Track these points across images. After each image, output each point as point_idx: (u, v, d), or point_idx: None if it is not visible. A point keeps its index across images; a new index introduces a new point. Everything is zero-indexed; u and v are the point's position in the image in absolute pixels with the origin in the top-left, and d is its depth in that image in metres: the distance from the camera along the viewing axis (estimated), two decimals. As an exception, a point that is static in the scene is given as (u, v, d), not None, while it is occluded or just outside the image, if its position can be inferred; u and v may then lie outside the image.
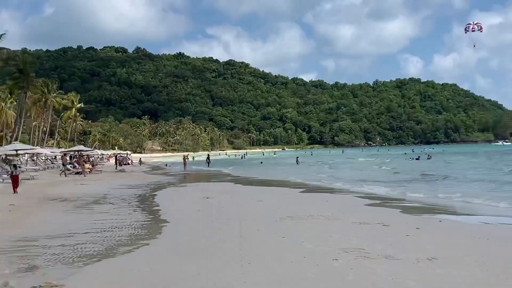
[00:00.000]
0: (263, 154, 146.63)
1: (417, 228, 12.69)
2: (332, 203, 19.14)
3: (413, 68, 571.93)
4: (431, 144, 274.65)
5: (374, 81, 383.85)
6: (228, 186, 30.72)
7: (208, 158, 67.87)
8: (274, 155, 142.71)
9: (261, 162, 79.26)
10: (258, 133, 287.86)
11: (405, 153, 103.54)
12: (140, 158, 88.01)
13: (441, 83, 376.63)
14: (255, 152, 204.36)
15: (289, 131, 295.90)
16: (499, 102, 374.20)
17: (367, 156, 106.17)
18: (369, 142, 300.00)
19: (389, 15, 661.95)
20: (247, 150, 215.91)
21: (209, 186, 30.99)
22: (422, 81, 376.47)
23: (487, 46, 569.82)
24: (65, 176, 40.30)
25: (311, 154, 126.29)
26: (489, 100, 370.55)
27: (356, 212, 16.10)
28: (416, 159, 73.27)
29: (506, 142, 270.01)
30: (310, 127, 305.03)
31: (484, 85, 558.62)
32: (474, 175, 36.03)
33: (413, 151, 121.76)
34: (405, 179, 34.35)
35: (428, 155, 76.44)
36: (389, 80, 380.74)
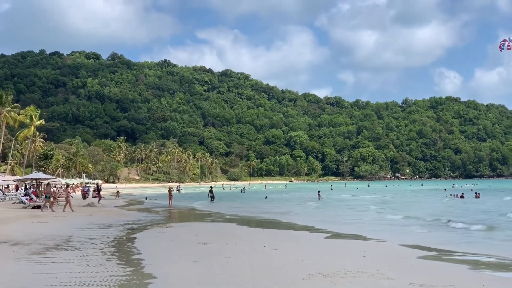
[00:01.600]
0: (265, 187, 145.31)
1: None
2: (372, 254, 17.78)
3: (450, 84, 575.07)
4: (472, 178, 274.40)
5: (403, 100, 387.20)
6: (228, 228, 29.48)
7: (211, 191, 66.65)
8: (286, 188, 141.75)
9: (266, 197, 77.97)
10: (259, 161, 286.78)
11: (445, 189, 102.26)
12: (118, 191, 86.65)
13: (485, 104, 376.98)
14: (255, 183, 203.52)
15: (298, 159, 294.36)
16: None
17: (401, 192, 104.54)
18: (397, 174, 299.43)
19: (420, 20, 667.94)
20: (250, 182, 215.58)
21: (203, 227, 29.72)
22: (462, 100, 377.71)
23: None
24: (52, 210, 39.25)
25: (331, 188, 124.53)
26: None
27: (409, 269, 14.80)
28: (461, 196, 71.74)
29: None
30: (324, 155, 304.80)
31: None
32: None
33: (454, 187, 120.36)
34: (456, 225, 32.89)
35: (476, 193, 74.94)
36: (421, 99, 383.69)
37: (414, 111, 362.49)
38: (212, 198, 65.03)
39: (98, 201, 59.79)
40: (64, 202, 43.14)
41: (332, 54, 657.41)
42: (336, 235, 25.41)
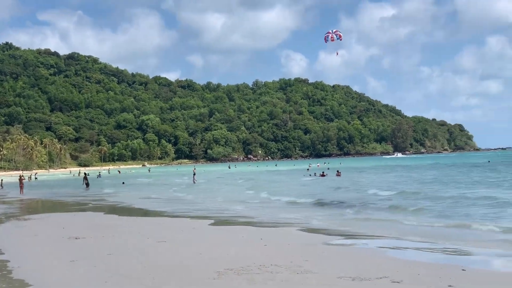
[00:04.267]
0: (119, 173, 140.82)
1: (450, 286, 9.92)
2: (272, 242, 16.15)
3: (297, 66, 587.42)
4: (322, 157, 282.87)
5: (253, 82, 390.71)
6: (96, 218, 26.87)
7: (85, 178, 63.02)
8: (149, 172, 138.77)
9: (123, 183, 74.96)
10: (111, 145, 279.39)
11: (308, 169, 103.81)
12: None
13: (331, 85, 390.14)
14: (113, 168, 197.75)
15: (151, 142, 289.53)
16: (397, 108, 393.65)
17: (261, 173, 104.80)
18: (249, 156, 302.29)
19: (265, 3, 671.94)
20: (109, 167, 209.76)
21: (69, 219, 26.86)
22: (309, 82, 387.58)
23: (378, 43, 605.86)
24: None
25: (193, 171, 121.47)
26: (386, 105, 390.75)
27: (325, 258, 13.24)
28: (321, 175, 72.38)
29: (403, 154, 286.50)
30: (177, 138, 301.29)
31: (378, 88, 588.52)
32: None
33: (310, 166, 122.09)
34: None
35: (338, 171, 76.21)
36: (271, 81, 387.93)
37: (265, 92, 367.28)
38: (87, 185, 61.39)
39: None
40: None
41: (181, 37, 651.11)
42: (220, 221, 23.59)
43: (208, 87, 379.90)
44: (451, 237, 17.50)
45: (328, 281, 10.68)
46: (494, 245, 16.10)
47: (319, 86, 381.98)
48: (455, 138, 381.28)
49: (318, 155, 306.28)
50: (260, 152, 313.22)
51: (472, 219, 22.06)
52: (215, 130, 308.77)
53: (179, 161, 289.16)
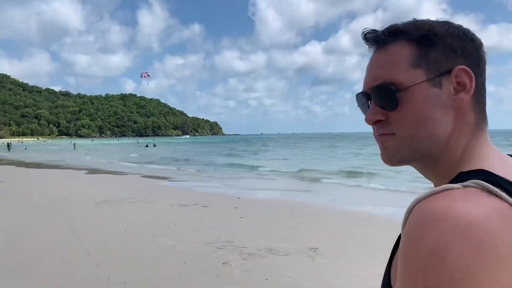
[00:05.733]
0: (8, 144, 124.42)
1: (235, 208, 10.02)
2: (127, 184, 16.01)
3: (130, 86, 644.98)
4: (143, 136, 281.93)
5: (105, 94, 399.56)
6: (9, 170, 23.39)
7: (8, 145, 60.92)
8: (44, 142, 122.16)
9: (25, 148, 68.06)
10: (17, 126, 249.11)
11: (137, 142, 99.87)
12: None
13: (149, 98, 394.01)
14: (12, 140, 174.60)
15: (43, 126, 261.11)
16: (184, 111, 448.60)
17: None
18: (102, 135, 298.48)
19: (113, 50, 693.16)
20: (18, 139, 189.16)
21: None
22: (138, 96, 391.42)
23: (176, 77, 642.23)
24: None
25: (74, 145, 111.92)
26: (179, 110, 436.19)
27: (160, 193, 13.63)
28: (146, 146, 69.24)
29: (188, 135, 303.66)
30: (59, 124, 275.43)
31: (174, 101, 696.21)
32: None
33: (138, 142, 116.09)
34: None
35: (154, 144, 73.42)
36: (116, 94, 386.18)
37: (112, 100, 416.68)
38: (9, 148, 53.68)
39: None
40: None
41: (62, 67, 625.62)
42: (91, 171, 21.78)
43: (79, 96, 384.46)
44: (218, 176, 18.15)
45: (166, 207, 10.80)
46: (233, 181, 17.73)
47: (143, 98, 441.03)
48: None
49: (141, 135, 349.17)
50: (109, 133, 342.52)
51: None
52: (83, 120, 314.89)
53: (60, 136, 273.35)
